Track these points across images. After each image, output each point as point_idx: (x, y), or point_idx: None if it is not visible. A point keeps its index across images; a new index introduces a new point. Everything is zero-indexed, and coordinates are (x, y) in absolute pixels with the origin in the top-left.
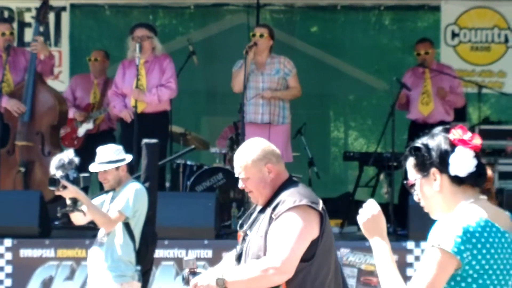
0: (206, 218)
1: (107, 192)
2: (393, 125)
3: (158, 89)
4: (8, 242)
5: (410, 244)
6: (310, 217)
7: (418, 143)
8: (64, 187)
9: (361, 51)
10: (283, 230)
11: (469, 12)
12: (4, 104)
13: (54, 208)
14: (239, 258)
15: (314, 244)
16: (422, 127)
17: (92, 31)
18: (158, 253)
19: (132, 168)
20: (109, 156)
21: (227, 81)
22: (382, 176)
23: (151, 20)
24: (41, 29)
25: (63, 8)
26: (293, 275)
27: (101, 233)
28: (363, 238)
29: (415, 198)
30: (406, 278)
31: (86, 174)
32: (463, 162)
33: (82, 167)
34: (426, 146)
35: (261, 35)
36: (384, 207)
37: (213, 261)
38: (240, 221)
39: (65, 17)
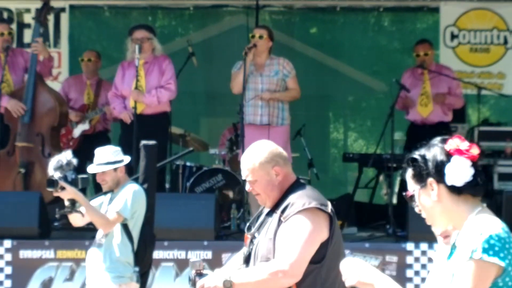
0: (205, 219)
1: (105, 193)
2: (392, 126)
3: (158, 91)
4: (7, 243)
5: (409, 246)
6: (319, 220)
7: (415, 154)
8: (62, 188)
9: (360, 53)
10: (292, 233)
11: (468, 14)
12: (4, 104)
13: (54, 209)
14: (247, 260)
15: (324, 246)
16: (420, 128)
17: (91, 32)
18: (158, 254)
19: (131, 169)
20: (107, 157)
21: (226, 82)
22: (381, 177)
23: (150, 21)
24: (41, 30)
25: (63, 9)
26: (303, 277)
27: (99, 234)
28: (363, 240)
29: (416, 209)
30: (406, 280)
31: (84, 176)
32: (458, 172)
33: (79, 168)
34: (423, 157)
35: (261, 36)
36: (383, 208)
37: (212, 262)
38: (247, 224)
39: (64, 18)
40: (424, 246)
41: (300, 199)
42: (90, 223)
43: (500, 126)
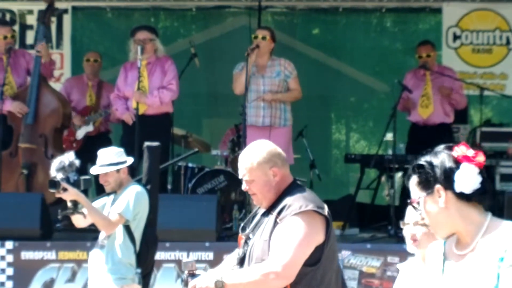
0: (207, 220)
1: (108, 194)
2: (395, 127)
3: (160, 91)
4: (9, 244)
5: None
6: (315, 222)
7: (421, 161)
8: (65, 190)
9: (362, 53)
10: (287, 235)
11: (471, 14)
12: (8, 107)
13: (56, 210)
14: (241, 261)
15: (319, 249)
16: (422, 130)
17: (94, 33)
18: (159, 255)
19: (133, 171)
20: (110, 159)
21: (228, 83)
22: (383, 178)
23: (152, 22)
24: (44, 32)
25: (65, 11)
26: (297, 279)
27: (102, 236)
28: (364, 240)
29: (419, 217)
30: None
31: (86, 177)
32: (468, 179)
33: (81, 169)
34: (430, 163)
35: (264, 38)
36: (385, 209)
37: (214, 263)
38: (242, 224)
39: (67, 19)
40: None
41: (297, 201)
42: (92, 225)
43: (502, 127)
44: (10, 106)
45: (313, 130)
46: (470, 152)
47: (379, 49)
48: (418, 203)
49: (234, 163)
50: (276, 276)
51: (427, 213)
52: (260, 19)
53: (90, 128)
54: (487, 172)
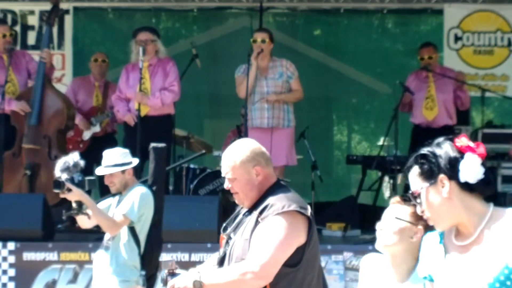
0: (209, 222)
1: (113, 195)
2: (396, 128)
3: (161, 93)
4: (11, 245)
5: None
6: (297, 223)
7: (424, 150)
8: (69, 190)
9: (364, 55)
10: (267, 234)
11: (472, 16)
12: (12, 107)
13: (58, 211)
14: (222, 261)
15: (300, 250)
16: (425, 132)
17: (95, 34)
18: (161, 256)
19: (136, 172)
20: (116, 160)
21: (230, 84)
22: (385, 180)
23: (154, 23)
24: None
25: (66, 11)
26: (277, 280)
27: (106, 237)
28: (366, 242)
29: (419, 210)
30: None
31: (91, 177)
32: (473, 169)
33: (86, 169)
34: (433, 153)
35: (263, 41)
36: None
37: None
38: (224, 224)
39: (68, 20)
40: None
41: (280, 201)
42: (97, 226)
43: (504, 128)
44: (15, 106)
45: (314, 131)
46: (472, 143)
47: (380, 50)
48: (419, 194)
49: None
50: (253, 275)
51: (428, 205)
52: (262, 20)
53: (97, 129)
54: None
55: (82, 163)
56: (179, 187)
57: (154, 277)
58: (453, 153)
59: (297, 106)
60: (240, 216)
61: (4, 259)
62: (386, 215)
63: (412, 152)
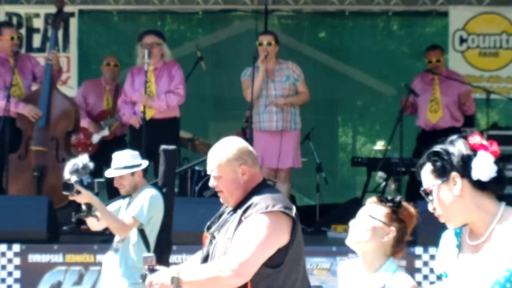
0: None
1: (123, 197)
2: (401, 130)
3: (167, 95)
4: (16, 247)
5: (418, 250)
6: (281, 223)
7: (437, 148)
8: (78, 192)
9: (369, 57)
10: (249, 233)
11: (477, 18)
12: (20, 110)
13: (63, 213)
14: (205, 260)
15: (283, 251)
16: (430, 134)
17: (101, 37)
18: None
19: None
20: (125, 162)
21: (234, 86)
22: (390, 182)
23: (159, 26)
24: (49, 35)
25: (72, 14)
26: (258, 280)
27: (116, 239)
28: None
29: (430, 207)
30: None
31: (100, 180)
32: (485, 167)
33: (97, 172)
34: (446, 150)
35: (269, 43)
36: None
37: None
38: (208, 223)
39: (74, 22)
40: (433, 250)
41: (264, 201)
42: (107, 228)
43: (509, 130)
44: (23, 109)
45: (319, 134)
46: (485, 142)
47: (385, 52)
48: (431, 191)
49: None
50: (231, 272)
51: (440, 202)
52: (267, 23)
53: (106, 132)
54: None
55: (91, 165)
56: (184, 189)
57: None
58: (466, 151)
59: (302, 108)
60: (225, 215)
61: (10, 261)
62: (361, 213)
63: (417, 155)
